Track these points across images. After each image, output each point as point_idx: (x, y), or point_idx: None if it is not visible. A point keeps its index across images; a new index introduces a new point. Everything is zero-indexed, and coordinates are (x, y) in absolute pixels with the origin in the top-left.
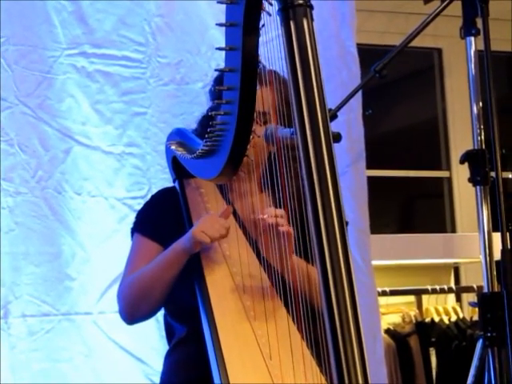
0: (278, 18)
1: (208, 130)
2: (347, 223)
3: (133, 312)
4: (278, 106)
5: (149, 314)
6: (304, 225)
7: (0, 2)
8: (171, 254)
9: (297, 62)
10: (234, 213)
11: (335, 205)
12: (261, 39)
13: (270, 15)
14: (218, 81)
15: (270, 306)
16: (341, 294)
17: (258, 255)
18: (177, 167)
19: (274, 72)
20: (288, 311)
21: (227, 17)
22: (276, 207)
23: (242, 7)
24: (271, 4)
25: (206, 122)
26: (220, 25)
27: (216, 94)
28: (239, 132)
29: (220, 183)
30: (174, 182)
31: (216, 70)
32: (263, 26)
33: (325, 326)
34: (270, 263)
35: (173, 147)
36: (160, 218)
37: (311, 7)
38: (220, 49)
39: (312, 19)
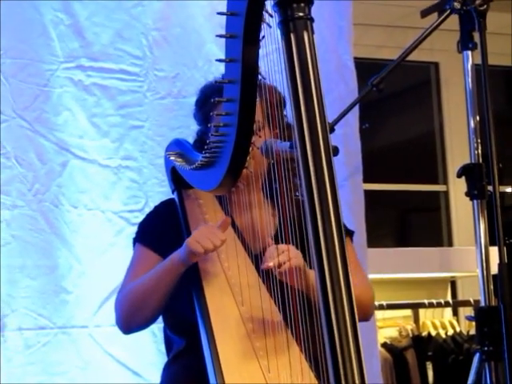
0: (279, 30)
1: (207, 141)
2: (353, 233)
3: (129, 321)
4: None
5: (145, 324)
6: (303, 235)
7: None
8: (168, 264)
9: (297, 75)
10: (233, 224)
11: (334, 217)
12: (260, 52)
13: (270, 27)
14: (202, 102)
15: (268, 318)
16: (340, 307)
17: (257, 267)
18: (176, 178)
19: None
20: (287, 324)
21: (227, 28)
22: (275, 217)
23: (242, 19)
24: (272, 16)
25: (199, 144)
26: (220, 36)
27: (206, 112)
28: (239, 144)
29: (219, 194)
30: (172, 192)
31: (216, 82)
32: (263, 37)
33: (323, 338)
34: (268, 276)
35: (172, 158)
36: (161, 229)
37: (312, 20)
38: (220, 60)
39: (312, 32)
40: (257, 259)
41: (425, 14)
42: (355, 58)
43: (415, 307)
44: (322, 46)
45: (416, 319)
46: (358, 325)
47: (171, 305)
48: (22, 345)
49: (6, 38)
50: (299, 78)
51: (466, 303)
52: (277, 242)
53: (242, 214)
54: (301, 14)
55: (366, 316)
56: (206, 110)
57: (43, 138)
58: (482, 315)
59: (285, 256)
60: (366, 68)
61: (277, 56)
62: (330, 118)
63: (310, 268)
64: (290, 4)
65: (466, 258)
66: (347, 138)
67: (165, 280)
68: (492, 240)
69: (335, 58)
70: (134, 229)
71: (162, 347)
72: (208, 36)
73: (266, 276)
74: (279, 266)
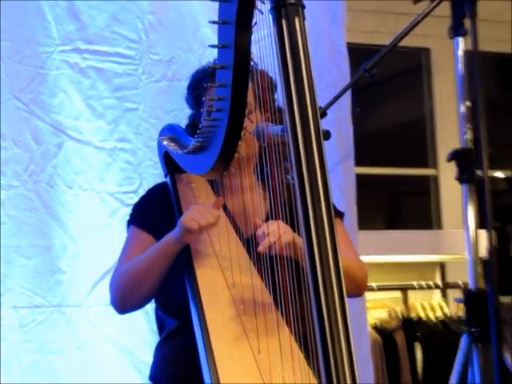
0: (270, 16)
1: (199, 125)
2: (343, 214)
3: (124, 301)
4: (267, 102)
5: (140, 304)
6: (294, 218)
7: None
8: (163, 245)
9: (288, 60)
10: (225, 208)
11: (324, 201)
12: (252, 37)
13: (262, 13)
14: (194, 86)
15: (259, 300)
16: (329, 289)
17: (248, 250)
18: (168, 162)
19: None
20: (277, 306)
21: (220, 14)
22: (267, 201)
23: (234, 5)
24: (263, 2)
25: (191, 129)
26: (213, 22)
27: (197, 97)
28: (231, 128)
29: (211, 178)
30: (165, 176)
31: (209, 67)
32: (255, 24)
33: (313, 320)
34: (259, 258)
35: (165, 142)
36: (154, 212)
37: (303, 6)
38: (213, 46)
39: (304, 18)
40: (248, 242)
41: (417, 0)
42: (348, 44)
43: (405, 289)
44: (315, 31)
45: (405, 301)
46: (348, 305)
47: (163, 286)
48: (17, 323)
49: (3, 20)
50: (290, 64)
51: (454, 286)
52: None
53: (233, 198)
54: (292, 1)
55: (360, 290)
56: (197, 95)
57: (39, 119)
58: (470, 298)
59: (275, 235)
60: (358, 53)
61: (269, 41)
62: (322, 103)
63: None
64: None
65: (455, 240)
66: (339, 122)
67: (159, 261)
68: (481, 223)
69: (328, 43)
70: (129, 210)
71: (155, 327)
72: (203, 20)
73: (257, 259)
74: (270, 247)
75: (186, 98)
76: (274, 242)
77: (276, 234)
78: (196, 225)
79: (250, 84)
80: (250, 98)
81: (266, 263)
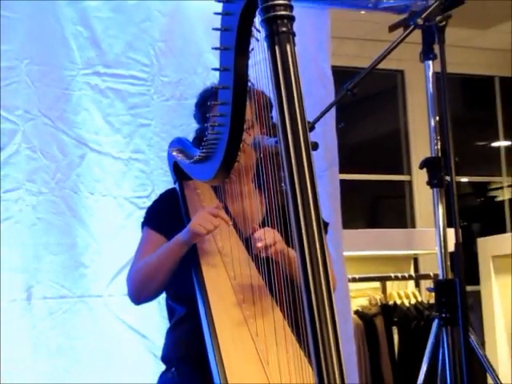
0: (265, 43)
1: (204, 138)
2: (327, 224)
3: (139, 294)
4: (263, 117)
5: (153, 296)
6: (286, 220)
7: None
8: (173, 245)
9: (281, 81)
10: (227, 211)
11: (313, 204)
12: (250, 61)
13: (258, 41)
14: (201, 104)
15: (256, 290)
16: (318, 280)
17: (247, 247)
18: (177, 171)
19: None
20: (272, 296)
21: (221, 42)
22: (263, 205)
23: (234, 33)
24: (259, 31)
25: (197, 141)
26: (215, 49)
27: (204, 113)
28: (231, 141)
29: (214, 185)
30: (174, 183)
31: (212, 88)
32: (252, 50)
33: (304, 307)
34: (256, 254)
35: (174, 153)
36: (165, 214)
37: (293, 34)
38: (215, 69)
39: (294, 44)
40: (247, 240)
41: (392, 28)
42: (332, 67)
43: (383, 280)
44: (304, 56)
45: (384, 290)
46: (334, 295)
47: (173, 279)
48: (46, 312)
49: (32, 48)
50: (283, 84)
51: (426, 276)
52: (264, 227)
53: (234, 202)
54: (284, 29)
55: (334, 289)
56: (203, 112)
57: (64, 134)
58: (440, 287)
59: (271, 238)
60: (341, 75)
61: (264, 65)
62: (310, 118)
63: (292, 248)
64: (274, 21)
65: (427, 237)
66: (325, 135)
67: (169, 258)
68: (449, 222)
69: (315, 66)
70: (142, 213)
71: (166, 314)
72: (206, 47)
73: (255, 255)
74: (266, 248)
75: (193, 114)
76: (270, 246)
77: (272, 239)
78: (204, 229)
79: (248, 102)
80: (249, 115)
81: (263, 259)
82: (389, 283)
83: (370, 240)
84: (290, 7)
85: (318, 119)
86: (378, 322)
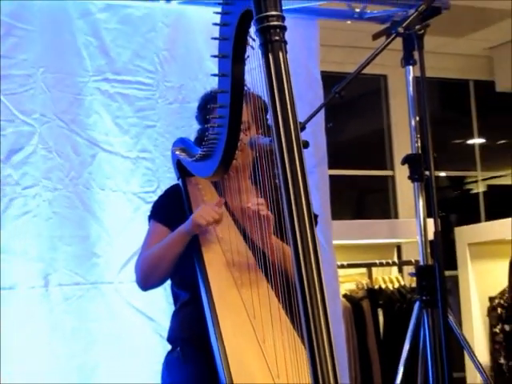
0: (260, 51)
1: (205, 138)
2: (317, 216)
3: (146, 281)
4: (258, 118)
5: (159, 282)
6: (280, 212)
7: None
8: (176, 235)
9: (274, 85)
10: (226, 204)
11: (305, 197)
12: (246, 68)
13: (253, 49)
14: (202, 107)
15: (253, 276)
16: (309, 267)
17: (245, 237)
18: (180, 168)
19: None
20: (268, 280)
21: (220, 50)
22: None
23: (231, 42)
24: (254, 40)
25: (199, 141)
26: (214, 56)
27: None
28: (229, 140)
29: (214, 181)
30: (178, 179)
31: (211, 92)
32: (248, 57)
33: (297, 291)
34: (253, 242)
35: (177, 152)
36: (170, 208)
37: (285, 43)
38: (214, 75)
39: (286, 52)
40: (244, 232)
41: (376, 37)
42: (322, 72)
43: (369, 266)
44: (295, 62)
45: (370, 275)
46: (324, 279)
47: (178, 267)
48: (62, 297)
49: (48, 57)
50: (276, 88)
51: (408, 263)
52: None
53: (232, 197)
54: (277, 38)
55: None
56: (204, 114)
57: (77, 135)
58: (421, 272)
59: (264, 206)
60: (330, 79)
61: (259, 71)
62: (301, 119)
63: (287, 242)
64: (268, 30)
65: (409, 227)
66: (315, 134)
67: (173, 248)
68: (428, 213)
69: (306, 71)
70: (149, 206)
71: (171, 299)
72: (206, 55)
73: (252, 244)
74: (258, 210)
75: (195, 116)
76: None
77: (263, 204)
78: (204, 221)
79: (244, 105)
80: (246, 117)
81: (259, 250)
82: (374, 269)
83: (356, 230)
84: (282, 18)
85: (308, 120)
86: (365, 304)
